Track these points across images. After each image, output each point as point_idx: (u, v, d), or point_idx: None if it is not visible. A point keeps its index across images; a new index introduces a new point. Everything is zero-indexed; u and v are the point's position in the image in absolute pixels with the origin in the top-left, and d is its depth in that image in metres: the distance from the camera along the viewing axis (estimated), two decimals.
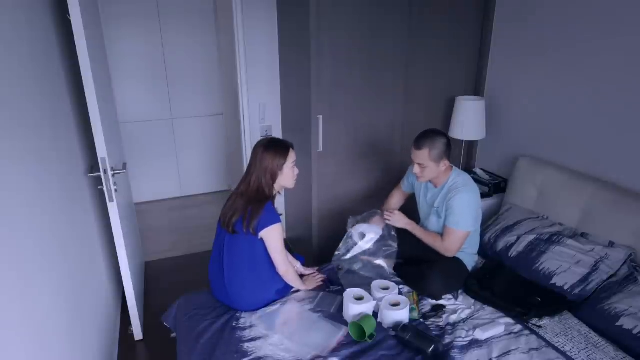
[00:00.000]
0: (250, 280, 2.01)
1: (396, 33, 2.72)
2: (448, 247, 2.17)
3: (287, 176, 2.02)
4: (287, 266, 2.06)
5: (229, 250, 2.02)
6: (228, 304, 2.06)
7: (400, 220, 2.28)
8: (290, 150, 2.02)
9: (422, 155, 2.11)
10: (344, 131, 2.84)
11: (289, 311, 2.03)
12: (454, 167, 2.24)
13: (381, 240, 2.30)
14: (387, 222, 2.30)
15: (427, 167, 2.13)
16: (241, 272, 2.01)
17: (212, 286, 2.14)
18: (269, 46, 3.21)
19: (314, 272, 2.30)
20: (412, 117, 2.95)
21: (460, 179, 2.19)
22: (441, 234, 2.22)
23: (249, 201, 1.97)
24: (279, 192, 2.10)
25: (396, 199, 2.51)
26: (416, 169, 2.17)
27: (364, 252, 2.28)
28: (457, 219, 2.13)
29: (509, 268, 2.29)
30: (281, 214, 2.07)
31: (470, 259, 2.29)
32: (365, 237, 2.27)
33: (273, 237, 1.98)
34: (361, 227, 2.30)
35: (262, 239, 1.98)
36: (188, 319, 2.02)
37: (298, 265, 2.31)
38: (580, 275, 2.07)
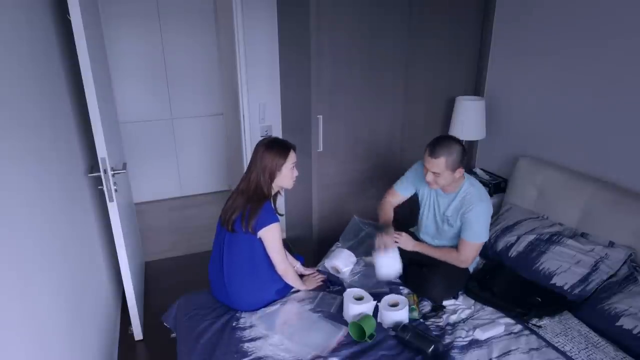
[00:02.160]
0: (250, 280, 2.01)
1: (396, 33, 2.72)
2: (464, 259, 2.14)
3: (286, 177, 2.01)
4: (286, 265, 2.06)
5: (228, 249, 2.02)
6: (228, 304, 2.06)
7: (408, 243, 2.23)
8: (291, 151, 2.02)
9: (439, 164, 2.01)
10: (344, 131, 2.84)
11: (289, 311, 2.03)
12: (466, 175, 2.17)
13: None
14: (396, 244, 2.23)
15: (442, 176, 2.05)
16: (241, 272, 2.01)
17: (212, 286, 2.14)
18: (269, 46, 3.21)
19: (314, 272, 2.29)
20: (412, 117, 2.96)
21: (473, 189, 2.12)
22: (452, 246, 2.21)
23: (248, 199, 1.97)
24: (279, 192, 2.10)
25: (392, 205, 2.41)
26: (429, 177, 2.08)
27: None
28: (475, 232, 2.10)
29: (509, 268, 2.29)
30: (282, 215, 2.06)
31: None
32: (339, 271, 2.24)
33: (271, 236, 1.98)
34: (332, 262, 2.27)
35: (260, 239, 1.98)
36: (188, 319, 2.02)
37: (298, 265, 2.31)
38: (580, 275, 2.07)
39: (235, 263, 2.01)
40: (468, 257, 2.14)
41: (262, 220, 1.94)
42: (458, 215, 2.15)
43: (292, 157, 2.01)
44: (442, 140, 2.05)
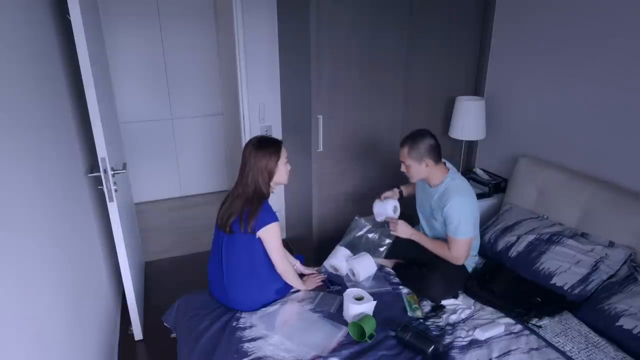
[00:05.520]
0: (250, 280, 2.01)
1: (396, 33, 2.72)
2: (455, 255, 2.15)
3: (282, 172, 2.03)
4: (285, 265, 2.07)
5: (227, 250, 2.02)
6: (228, 304, 2.06)
7: (405, 231, 2.24)
8: (282, 147, 2.04)
9: (402, 153, 2.15)
10: (343, 131, 2.84)
11: (289, 311, 2.03)
12: (451, 170, 2.20)
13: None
14: (392, 233, 2.27)
15: (409, 166, 2.15)
16: (240, 272, 2.01)
17: (212, 286, 2.14)
18: (269, 46, 3.21)
19: (314, 272, 2.30)
20: (412, 117, 2.95)
21: (454, 183, 2.13)
22: (445, 240, 2.21)
23: (247, 202, 1.97)
24: (272, 191, 2.11)
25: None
26: (402, 166, 2.20)
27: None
28: (456, 227, 2.10)
29: (509, 268, 2.29)
30: (277, 211, 2.07)
31: (471, 261, 2.28)
32: (355, 273, 2.23)
33: (271, 235, 1.98)
34: (330, 261, 2.29)
35: (260, 239, 1.98)
36: (188, 319, 2.02)
37: (297, 264, 2.31)
38: (580, 275, 2.07)
39: (235, 264, 2.02)
40: (458, 254, 2.14)
41: (262, 219, 1.94)
42: (439, 209, 2.16)
43: (284, 152, 2.04)
44: (413, 132, 2.17)
